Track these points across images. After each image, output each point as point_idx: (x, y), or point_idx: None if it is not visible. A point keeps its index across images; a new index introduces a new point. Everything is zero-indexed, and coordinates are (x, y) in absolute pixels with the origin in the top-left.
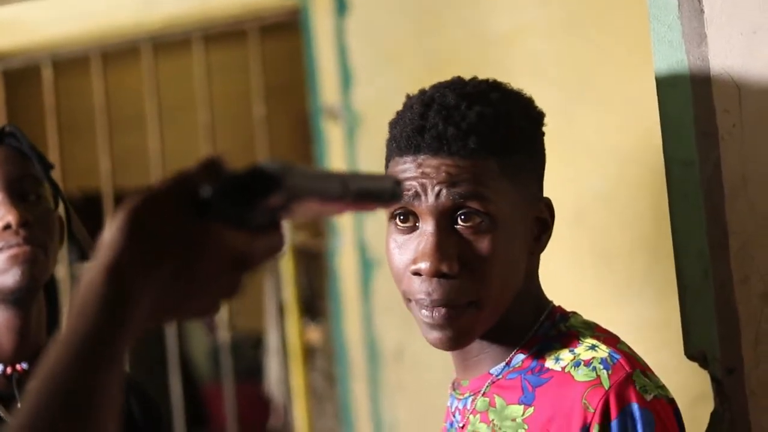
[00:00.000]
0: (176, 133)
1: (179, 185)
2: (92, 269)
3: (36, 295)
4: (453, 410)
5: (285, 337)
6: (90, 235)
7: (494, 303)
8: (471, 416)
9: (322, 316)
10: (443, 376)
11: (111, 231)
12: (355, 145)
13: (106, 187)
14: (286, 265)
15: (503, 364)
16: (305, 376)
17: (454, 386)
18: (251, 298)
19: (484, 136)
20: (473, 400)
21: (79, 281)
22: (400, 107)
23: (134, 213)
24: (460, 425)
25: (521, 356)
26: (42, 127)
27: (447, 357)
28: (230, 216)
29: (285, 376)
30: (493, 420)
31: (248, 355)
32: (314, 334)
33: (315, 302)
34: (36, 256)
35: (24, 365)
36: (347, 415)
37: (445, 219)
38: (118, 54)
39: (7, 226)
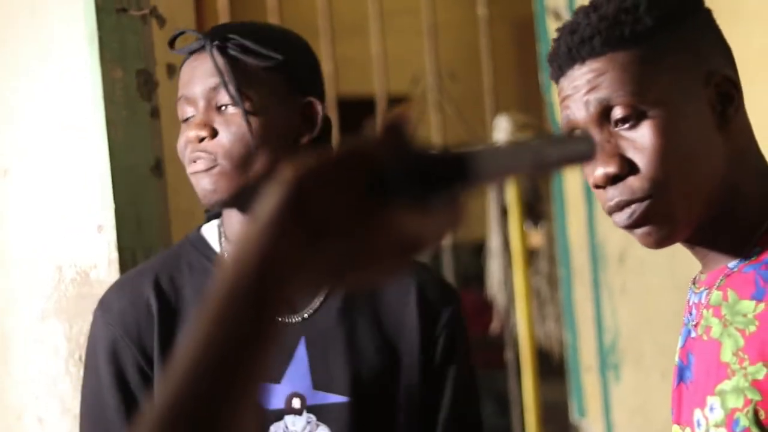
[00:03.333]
0: (397, 37)
1: (356, 157)
2: (246, 248)
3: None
4: (690, 305)
5: (507, 240)
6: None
7: (683, 191)
8: (704, 311)
9: (545, 219)
10: (667, 279)
11: (269, 208)
12: None
13: (329, 92)
14: None
15: (740, 256)
16: (527, 280)
17: (694, 281)
18: (474, 202)
19: (609, 32)
20: (707, 294)
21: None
22: None
23: (299, 190)
24: (695, 321)
25: (759, 248)
26: None
27: (671, 260)
28: (409, 197)
29: (507, 280)
30: (725, 315)
31: (470, 259)
32: (537, 237)
33: (538, 205)
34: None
35: None
36: (570, 318)
37: (601, 126)
38: None
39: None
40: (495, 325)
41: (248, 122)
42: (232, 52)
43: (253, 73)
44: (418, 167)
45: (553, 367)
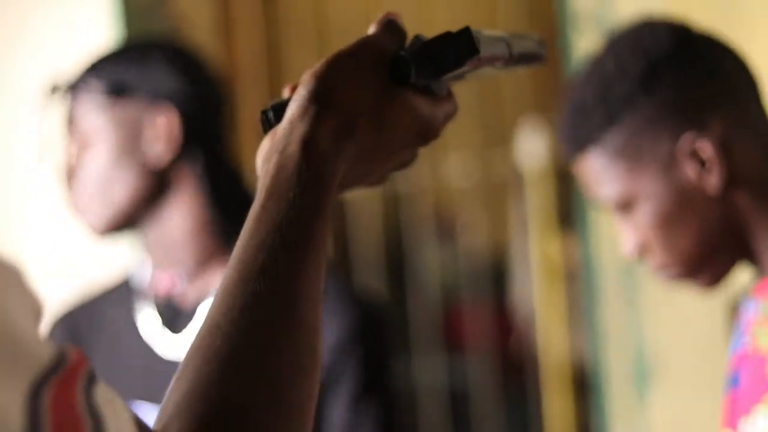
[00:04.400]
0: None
1: (367, 48)
2: (284, 142)
3: None
4: (742, 313)
5: (532, 254)
6: None
7: (684, 257)
8: (755, 320)
9: (570, 232)
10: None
11: (299, 101)
12: None
13: None
14: (535, 181)
15: None
16: (553, 294)
17: (747, 289)
18: (498, 215)
19: (572, 135)
20: (757, 305)
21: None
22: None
23: (324, 79)
24: (743, 330)
25: None
26: (300, 33)
27: None
28: (424, 82)
29: (531, 294)
30: None
31: (494, 273)
32: (563, 251)
33: (564, 218)
34: None
35: None
36: (595, 335)
37: (614, 214)
38: None
39: None
40: (517, 340)
41: (82, 157)
42: (71, 92)
43: (91, 105)
44: (426, 48)
45: (578, 385)
